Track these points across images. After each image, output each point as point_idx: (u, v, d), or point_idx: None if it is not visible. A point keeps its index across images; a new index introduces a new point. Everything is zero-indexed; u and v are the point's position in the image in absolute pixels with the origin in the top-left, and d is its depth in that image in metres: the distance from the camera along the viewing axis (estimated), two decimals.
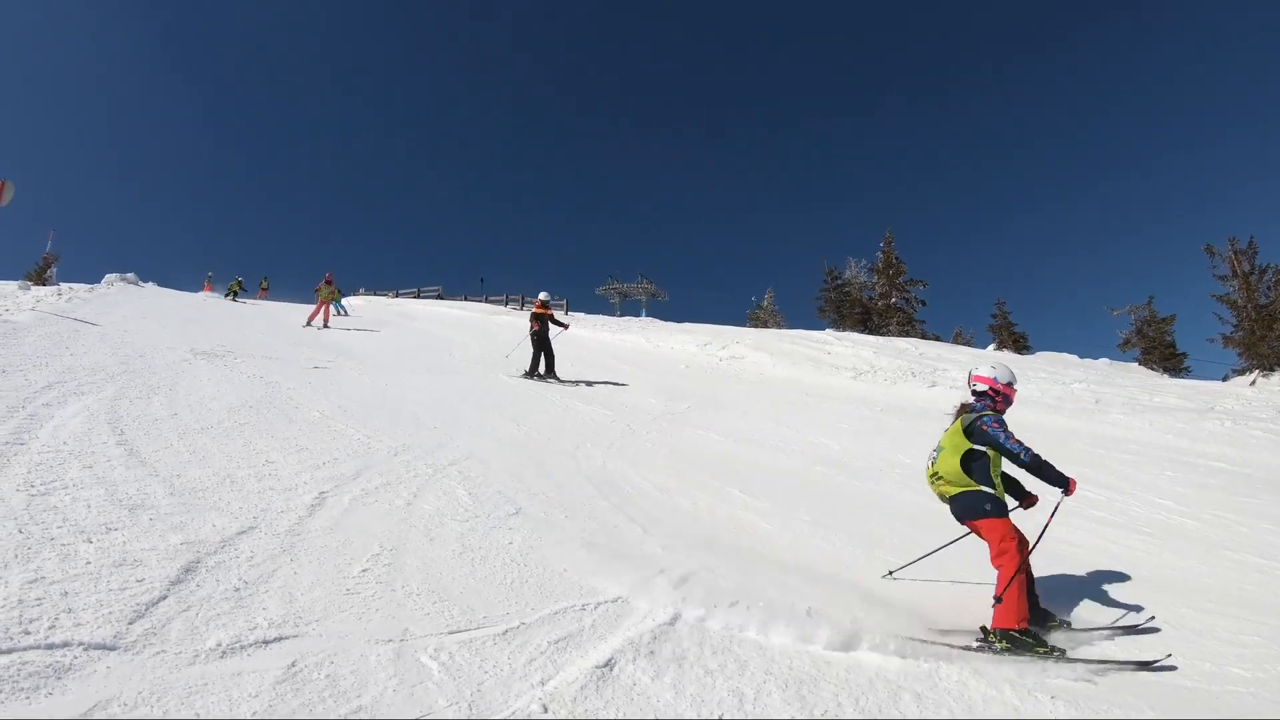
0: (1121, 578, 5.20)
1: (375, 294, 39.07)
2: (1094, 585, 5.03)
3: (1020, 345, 31.60)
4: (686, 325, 24.44)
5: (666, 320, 27.44)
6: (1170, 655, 3.81)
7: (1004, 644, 3.85)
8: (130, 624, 2.88)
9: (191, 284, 30.61)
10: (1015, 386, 4.60)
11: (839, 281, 35.01)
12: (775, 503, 6.59)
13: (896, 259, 34.16)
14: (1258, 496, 7.51)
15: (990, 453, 4.27)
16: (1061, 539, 6.10)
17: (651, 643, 3.42)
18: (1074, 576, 5.19)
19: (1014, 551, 4.04)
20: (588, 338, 21.51)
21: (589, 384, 12.87)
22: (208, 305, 21.49)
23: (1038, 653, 3.80)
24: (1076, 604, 4.70)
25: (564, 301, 29.82)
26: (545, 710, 2.73)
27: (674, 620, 3.70)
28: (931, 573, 4.86)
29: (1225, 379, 22.50)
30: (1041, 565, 4.96)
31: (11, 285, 18.48)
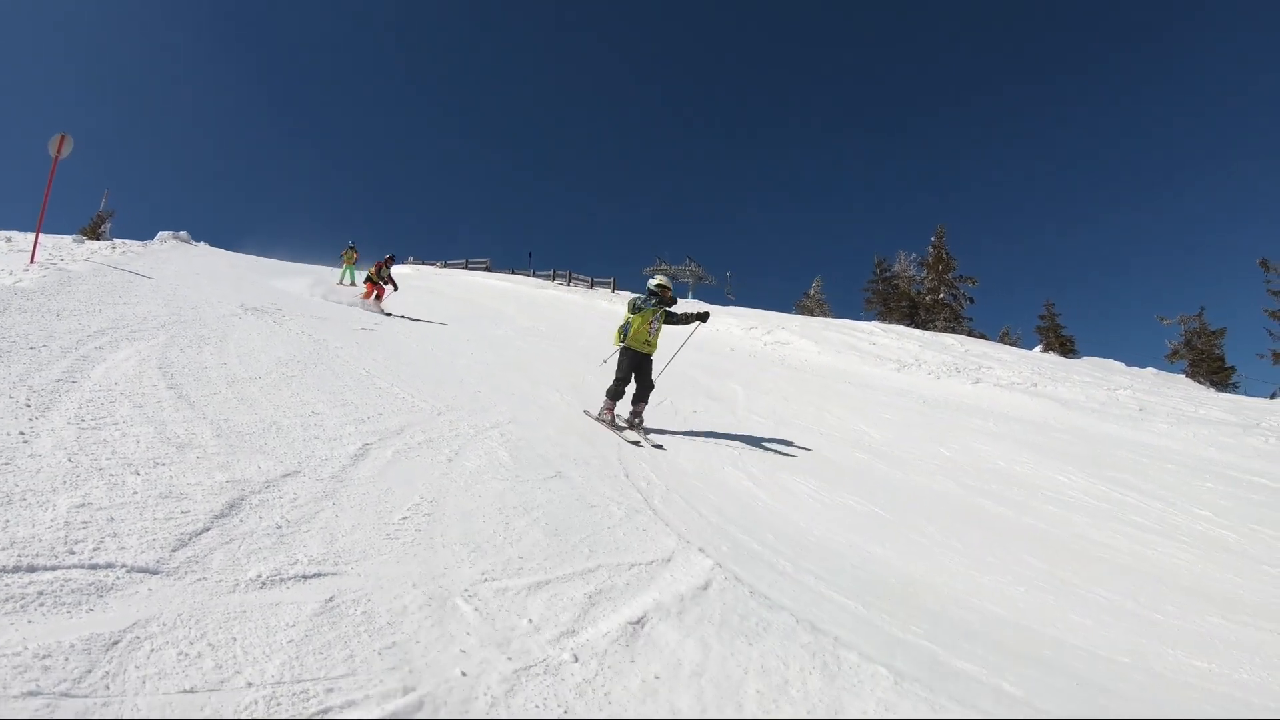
0: (1155, 582, 5.13)
1: (424, 263, 39.32)
2: (1124, 588, 4.96)
3: (1067, 348, 30.83)
4: (733, 309, 24.23)
5: (712, 303, 27.26)
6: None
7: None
8: (173, 551, 2.88)
9: (240, 244, 29.93)
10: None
11: (888, 274, 34.40)
12: (819, 484, 6.53)
13: (947, 254, 33.39)
14: None
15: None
16: (1101, 542, 5.91)
17: (681, 604, 3.42)
18: (1105, 578, 5.13)
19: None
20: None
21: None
22: (257, 266, 19.89)
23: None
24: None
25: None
26: (575, 659, 2.72)
27: (705, 586, 3.70)
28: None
29: (1274, 396, 21.91)
30: (1070, 564, 5.25)
31: (66, 239, 18.97)
